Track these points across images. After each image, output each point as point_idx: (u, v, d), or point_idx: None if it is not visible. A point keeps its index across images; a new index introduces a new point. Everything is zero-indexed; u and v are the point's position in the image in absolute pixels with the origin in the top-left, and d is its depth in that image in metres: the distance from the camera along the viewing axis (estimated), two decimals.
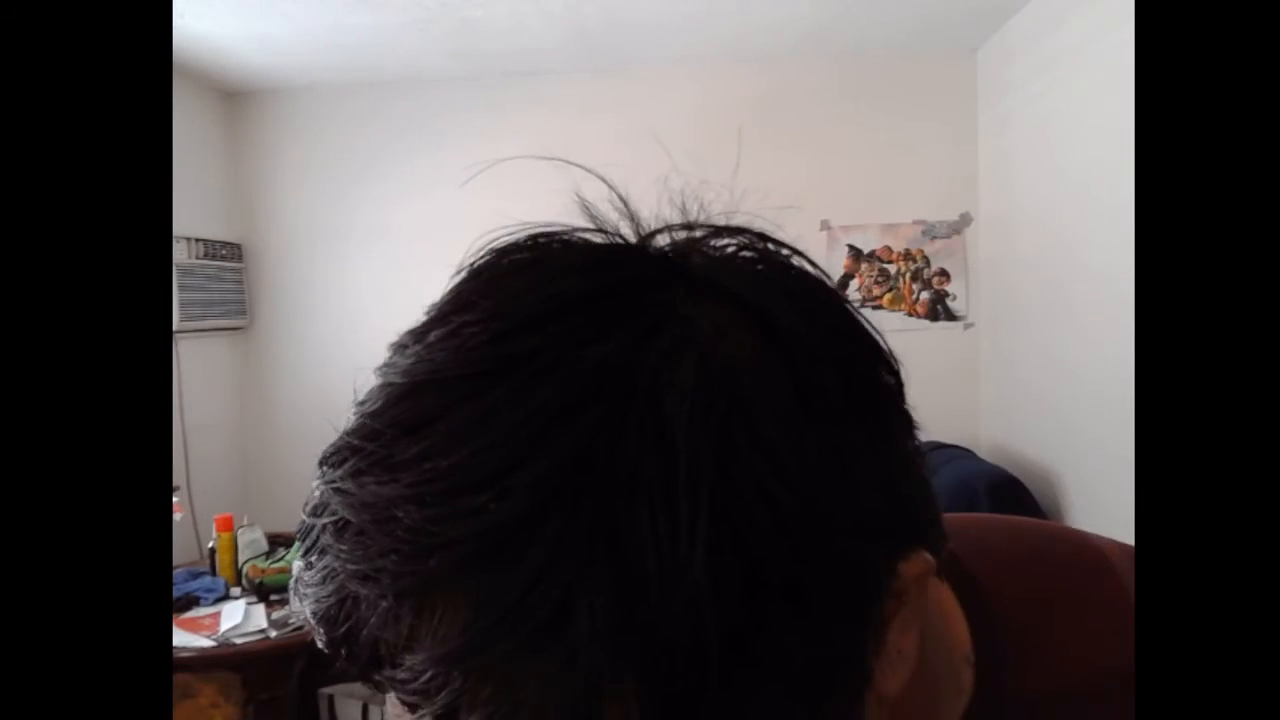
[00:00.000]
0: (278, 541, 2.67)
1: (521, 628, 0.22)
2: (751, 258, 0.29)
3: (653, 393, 0.24)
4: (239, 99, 3.53)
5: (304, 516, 0.27)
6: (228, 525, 2.55)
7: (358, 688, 2.47)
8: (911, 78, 3.31)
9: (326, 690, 2.45)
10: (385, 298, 3.43)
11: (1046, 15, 2.66)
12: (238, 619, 2.24)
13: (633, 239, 0.29)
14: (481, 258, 0.29)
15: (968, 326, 3.33)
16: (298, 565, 0.28)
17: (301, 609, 0.27)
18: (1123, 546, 0.41)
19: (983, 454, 3.01)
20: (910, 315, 3.34)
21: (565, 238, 0.29)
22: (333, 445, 0.27)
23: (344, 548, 0.25)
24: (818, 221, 3.31)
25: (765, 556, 0.24)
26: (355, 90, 3.46)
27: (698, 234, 0.29)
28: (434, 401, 0.25)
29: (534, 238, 0.29)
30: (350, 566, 0.24)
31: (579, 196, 0.30)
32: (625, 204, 0.30)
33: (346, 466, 0.25)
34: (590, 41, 3.04)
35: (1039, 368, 2.80)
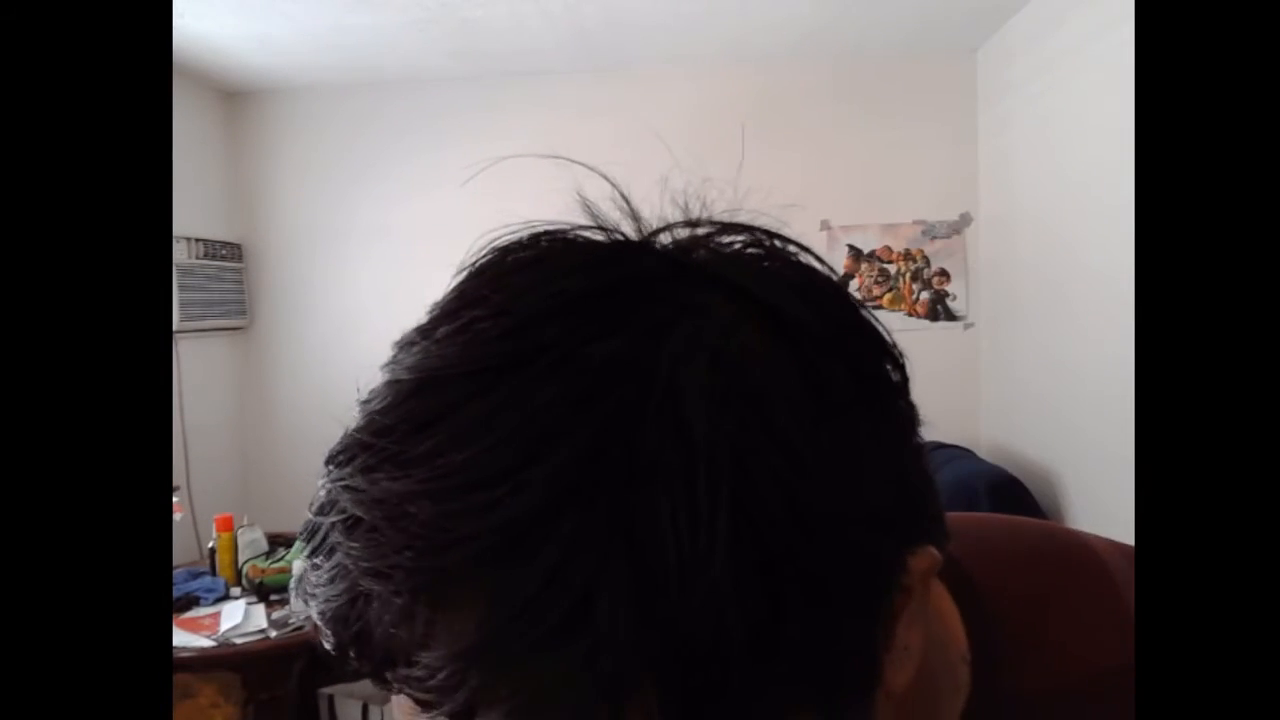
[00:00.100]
0: (278, 541, 2.67)
1: (540, 624, 0.22)
2: (758, 254, 0.29)
3: (669, 386, 0.24)
4: (239, 99, 3.53)
5: (310, 515, 0.27)
6: (228, 525, 2.54)
7: (358, 688, 2.47)
8: (911, 78, 3.31)
9: (326, 690, 2.45)
10: (385, 297, 3.43)
11: (1046, 15, 2.66)
12: (238, 619, 2.23)
13: (635, 237, 0.29)
14: (485, 256, 0.29)
15: (968, 326, 3.33)
16: (300, 565, 0.28)
17: (307, 610, 0.27)
18: (1116, 545, 0.41)
19: (983, 454, 3.01)
20: (910, 315, 3.34)
21: (568, 236, 0.29)
22: (340, 443, 0.27)
23: (355, 545, 0.24)
24: (818, 221, 3.31)
25: (783, 548, 0.24)
26: (355, 90, 3.47)
27: (703, 231, 0.29)
28: (445, 397, 0.25)
29: (537, 236, 0.29)
30: (363, 564, 0.24)
31: (580, 195, 0.30)
32: (627, 202, 0.30)
33: (356, 463, 0.25)
34: (590, 41, 3.04)
35: (1039, 368, 2.80)
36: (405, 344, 0.28)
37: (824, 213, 3.31)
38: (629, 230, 0.29)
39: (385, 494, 0.24)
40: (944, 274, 3.34)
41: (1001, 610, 0.37)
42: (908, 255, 3.34)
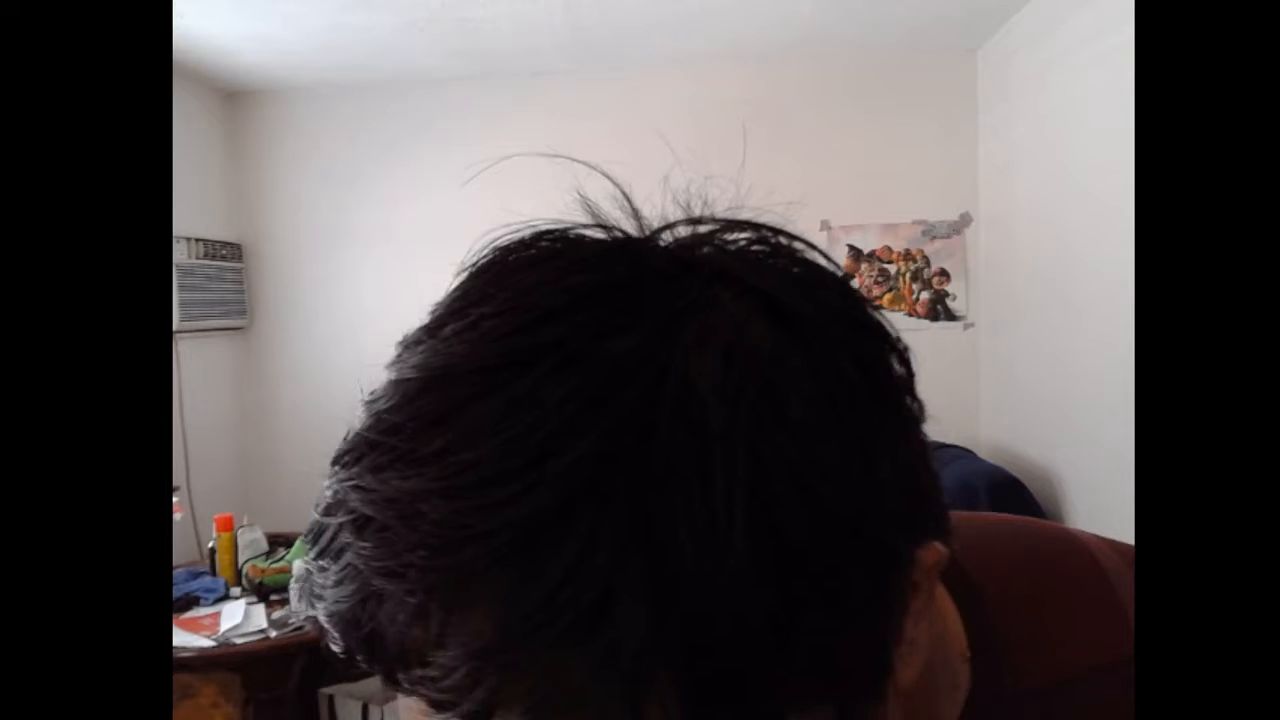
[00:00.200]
0: (278, 541, 2.67)
1: (558, 622, 0.22)
2: (763, 251, 0.29)
3: (683, 382, 0.24)
4: (239, 99, 3.53)
5: (315, 516, 0.27)
6: (228, 525, 2.54)
7: (357, 688, 2.47)
8: (911, 78, 3.31)
9: (326, 690, 2.45)
10: (385, 297, 3.43)
11: (1046, 15, 2.66)
12: (238, 619, 2.23)
13: (639, 236, 0.29)
14: (487, 254, 0.29)
15: (967, 326, 3.33)
16: (300, 565, 0.27)
17: (313, 612, 0.26)
18: (1111, 543, 0.42)
19: (983, 454, 3.01)
20: (910, 315, 3.34)
21: (570, 234, 0.29)
22: (348, 442, 0.26)
23: (366, 545, 0.24)
24: (818, 221, 3.31)
25: (801, 543, 0.24)
26: (355, 90, 3.46)
27: (706, 228, 0.29)
28: (456, 393, 0.24)
29: (539, 235, 0.29)
30: (375, 564, 0.24)
31: (581, 194, 0.30)
32: (629, 201, 0.30)
33: (365, 462, 0.25)
34: (589, 41, 3.04)
35: (1039, 368, 2.80)
36: (411, 343, 0.27)
37: (824, 213, 3.31)
38: (630, 229, 0.29)
39: (396, 492, 0.24)
40: (944, 274, 3.34)
41: (1000, 609, 0.38)
42: (908, 255, 3.34)
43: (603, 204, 0.30)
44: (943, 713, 0.36)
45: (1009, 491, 2.56)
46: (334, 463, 0.26)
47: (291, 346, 3.56)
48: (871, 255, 3.34)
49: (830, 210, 3.31)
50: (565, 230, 0.29)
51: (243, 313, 3.49)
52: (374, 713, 2.42)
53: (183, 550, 2.85)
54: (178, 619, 2.26)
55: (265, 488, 3.51)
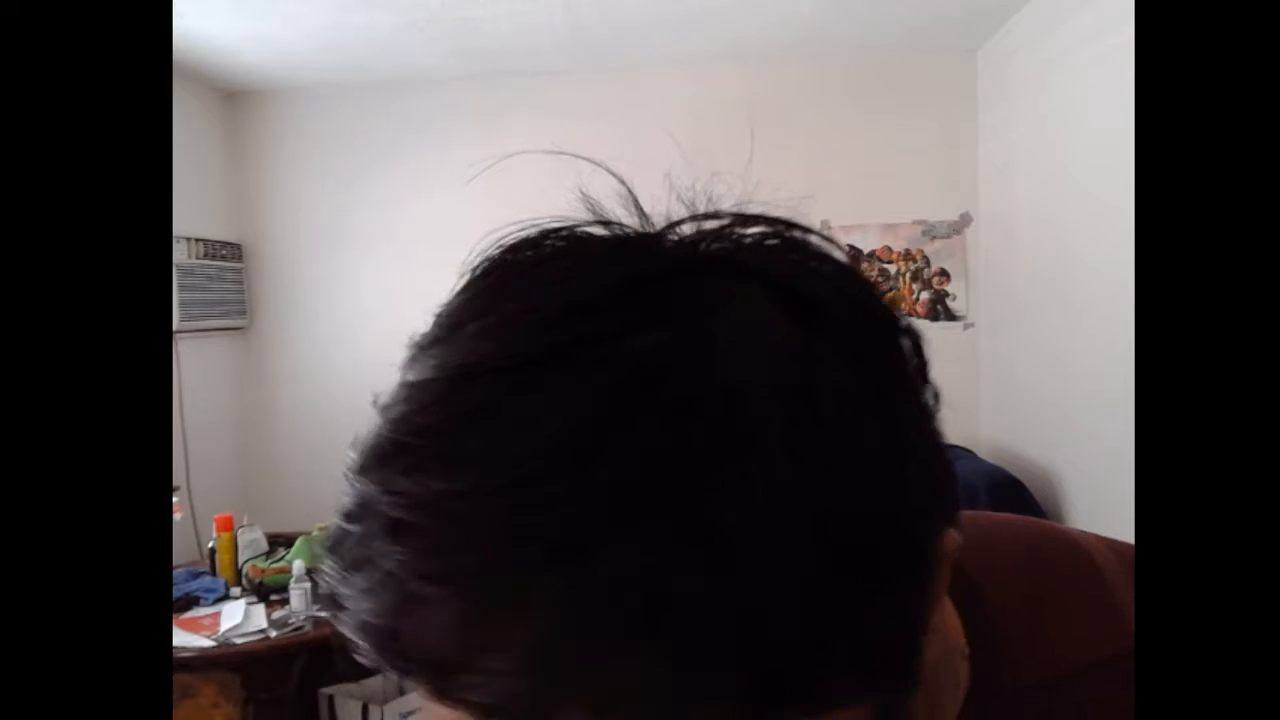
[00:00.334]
0: (278, 541, 2.67)
1: (615, 621, 0.21)
2: (778, 244, 0.29)
3: (723, 377, 0.24)
4: (239, 99, 3.53)
5: (339, 524, 0.25)
6: (228, 525, 2.54)
7: (357, 688, 2.47)
8: (911, 78, 3.31)
9: (326, 690, 2.45)
10: (385, 297, 3.43)
11: (1046, 15, 2.66)
12: (238, 619, 2.23)
13: (651, 232, 0.29)
14: (496, 253, 0.28)
15: (967, 326, 3.33)
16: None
17: (339, 624, 0.25)
18: (1104, 541, 0.42)
19: (983, 454, 3.01)
20: (910, 315, 3.33)
21: (577, 232, 0.28)
22: (370, 446, 0.25)
23: (403, 550, 0.23)
24: (818, 221, 3.29)
25: (849, 535, 0.24)
26: (355, 90, 3.47)
27: (719, 223, 0.29)
28: (487, 392, 0.24)
29: (546, 233, 0.28)
30: (415, 569, 0.23)
31: (584, 193, 0.30)
32: (634, 198, 0.29)
33: (395, 466, 0.24)
34: (589, 41, 3.04)
35: (1039, 368, 2.80)
36: (429, 343, 0.27)
37: (824, 213, 3.31)
38: (635, 227, 0.29)
39: (434, 494, 0.23)
40: (944, 274, 3.34)
41: (1000, 608, 0.38)
42: (907, 255, 3.34)
43: (605, 203, 0.29)
44: (944, 707, 0.36)
45: (1009, 491, 2.56)
46: (357, 468, 0.25)
47: (291, 346, 3.56)
48: (871, 255, 3.34)
49: (830, 210, 3.31)
50: (572, 228, 0.28)
51: (243, 313, 3.49)
52: (374, 713, 2.42)
53: (183, 550, 2.86)
54: (178, 619, 2.26)
55: (265, 488, 3.51)
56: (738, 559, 0.22)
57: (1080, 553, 0.41)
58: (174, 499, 2.73)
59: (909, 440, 0.27)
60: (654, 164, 0.35)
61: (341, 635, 0.25)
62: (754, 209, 0.30)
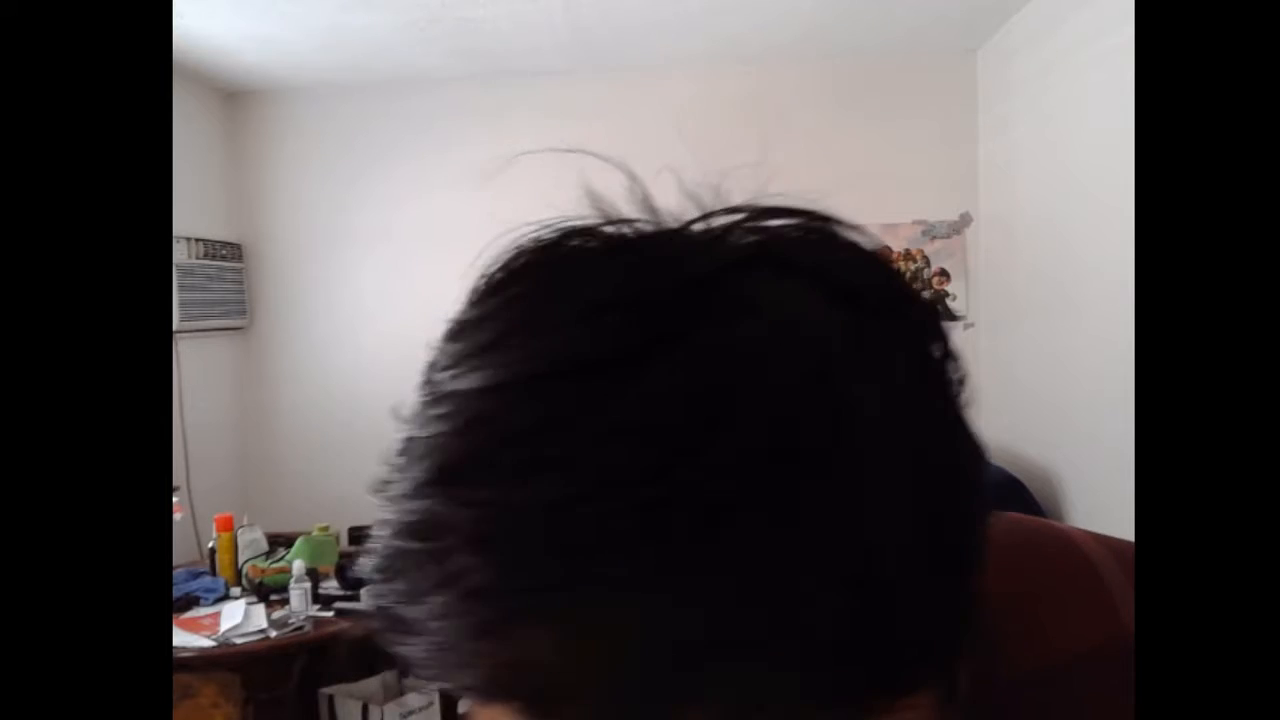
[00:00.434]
0: (278, 541, 2.67)
1: (747, 626, 0.21)
2: (812, 237, 0.28)
3: (819, 369, 0.23)
4: (239, 99, 3.53)
5: (391, 544, 0.24)
6: (228, 525, 2.55)
7: (358, 688, 2.47)
8: (911, 78, 3.31)
9: (326, 690, 2.45)
10: (385, 297, 3.43)
11: (1047, 15, 2.66)
12: (238, 619, 2.24)
13: (675, 229, 0.28)
14: (526, 253, 0.27)
15: (968, 326, 3.33)
16: (390, 600, 0.24)
17: (404, 651, 0.24)
18: (1095, 536, 0.42)
19: None
20: None
21: (599, 230, 0.27)
22: (430, 457, 0.23)
23: (487, 565, 0.21)
24: None
25: (940, 524, 0.24)
26: (355, 90, 3.46)
27: (740, 216, 0.28)
28: (574, 393, 0.22)
29: (567, 233, 0.27)
30: (507, 584, 0.21)
31: (591, 192, 0.29)
32: (648, 197, 0.29)
33: (470, 478, 0.22)
34: (590, 41, 3.05)
35: (1039, 368, 2.80)
36: (476, 349, 0.24)
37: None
38: (646, 225, 0.28)
39: (523, 504, 0.21)
40: (944, 274, 3.34)
41: (998, 604, 0.38)
42: (907, 255, 3.34)
43: (609, 202, 0.29)
44: None
45: (1009, 491, 2.56)
46: (417, 484, 0.23)
47: (291, 346, 3.56)
48: None
49: (830, 210, 3.30)
50: (591, 227, 0.27)
51: (243, 313, 3.49)
52: (374, 713, 2.42)
53: (183, 550, 2.86)
54: (178, 619, 2.26)
55: (265, 488, 3.51)
56: (859, 558, 0.22)
57: (1075, 548, 0.41)
58: (174, 499, 2.73)
59: (955, 422, 0.27)
60: (656, 162, 0.35)
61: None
62: (773, 202, 0.29)
